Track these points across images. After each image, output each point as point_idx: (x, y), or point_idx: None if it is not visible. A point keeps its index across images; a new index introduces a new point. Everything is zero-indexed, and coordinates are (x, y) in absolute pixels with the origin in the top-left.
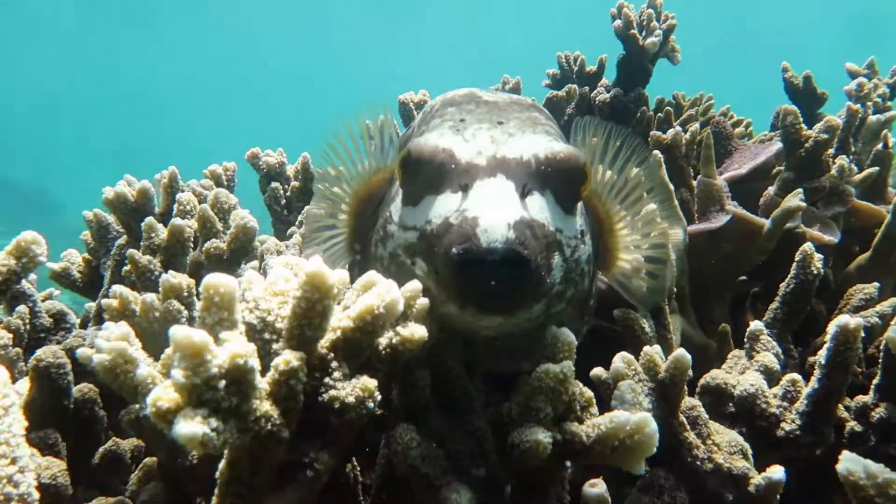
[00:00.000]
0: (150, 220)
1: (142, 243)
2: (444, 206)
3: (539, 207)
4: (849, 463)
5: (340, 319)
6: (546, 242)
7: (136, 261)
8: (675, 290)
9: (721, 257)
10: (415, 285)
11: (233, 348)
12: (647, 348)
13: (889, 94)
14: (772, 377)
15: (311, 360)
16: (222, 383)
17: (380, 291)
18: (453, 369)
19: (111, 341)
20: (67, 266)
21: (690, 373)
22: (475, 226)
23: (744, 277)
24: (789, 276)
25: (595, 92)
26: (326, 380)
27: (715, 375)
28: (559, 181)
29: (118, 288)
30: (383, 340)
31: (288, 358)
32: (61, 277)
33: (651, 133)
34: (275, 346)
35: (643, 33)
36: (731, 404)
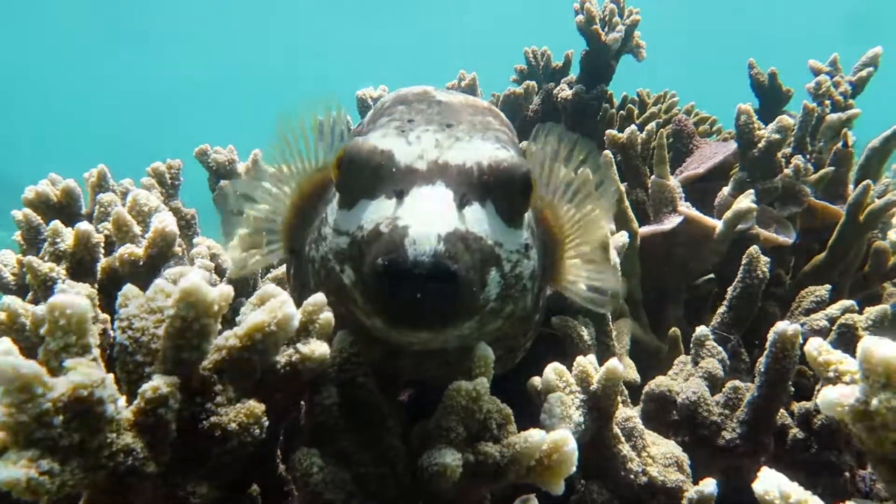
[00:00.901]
0: (54, 224)
1: (45, 248)
2: (377, 213)
3: (477, 219)
4: (765, 481)
5: (227, 338)
6: (482, 257)
7: (34, 269)
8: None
9: (674, 259)
10: (318, 298)
11: (75, 378)
12: (579, 358)
13: (851, 91)
14: (715, 384)
15: (190, 383)
16: (59, 419)
17: (272, 307)
18: (365, 385)
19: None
20: None
21: (638, 378)
22: (404, 236)
23: (710, 276)
24: (736, 279)
25: (557, 89)
26: (208, 405)
27: (660, 382)
28: (501, 191)
29: (8, 299)
30: (282, 358)
31: (156, 384)
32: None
33: (606, 132)
34: (148, 369)
35: (605, 29)
36: (674, 412)
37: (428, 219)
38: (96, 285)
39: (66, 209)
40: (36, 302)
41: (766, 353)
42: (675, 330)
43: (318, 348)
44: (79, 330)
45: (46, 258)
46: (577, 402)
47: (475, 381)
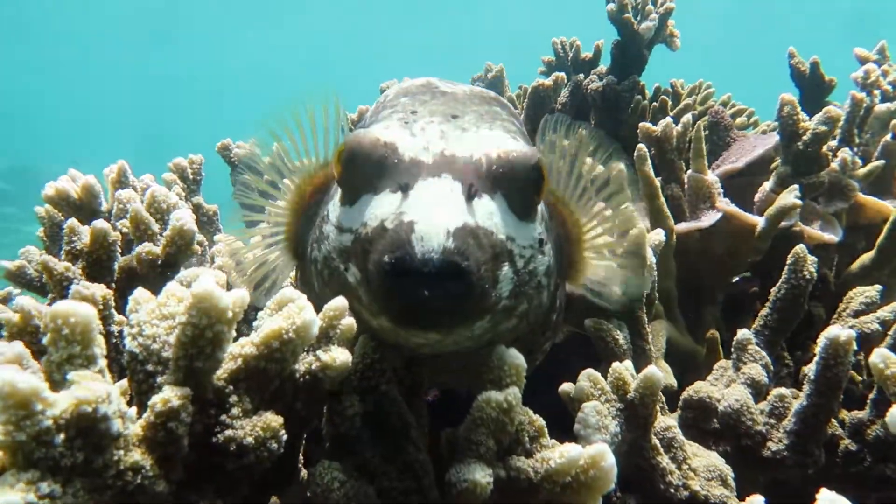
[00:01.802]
0: (71, 221)
1: (63, 247)
2: (382, 208)
3: (487, 212)
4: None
5: (243, 346)
6: (493, 252)
7: (50, 268)
8: (656, 294)
9: (712, 258)
10: (340, 302)
11: (78, 393)
12: (615, 365)
13: None
14: (759, 391)
15: (203, 394)
16: (60, 437)
17: (290, 312)
18: (386, 395)
19: (1, 364)
20: (23, 265)
21: (675, 383)
22: (410, 232)
23: (746, 274)
24: (780, 280)
25: (587, 80)
26: (223, 417)
27: (699, 388)
28: (512, 183)
29: (21, 300)
30: (301, 366)
31: (166, 396)
32: (17, 277)
33: (640, 125)
34: (159, 379)
35: (638, 17)
36: (715, 420)
37: (435, 213)
38: (113, 284)
39: (86, 206)
40: (54, 301)
41: (816, 359)
42: (713, 332)
43: (339, 356)
44: (83, 339)
45: (63, 257)
46: (613, 411)
47: (506, 392)
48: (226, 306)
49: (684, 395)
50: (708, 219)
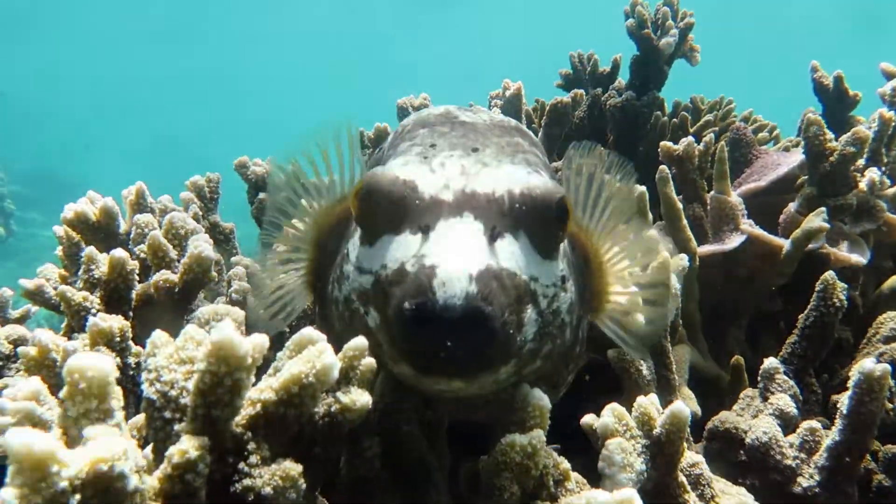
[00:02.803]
0: (89, 250)
1: (80, 275)
2: (402, 250)
3: (510, 253)
4: None
5: (262, 391)
6: (517, 295)
7: (67, 298)
8: (680, 320)
9: (736, 281)
10: (359, 342)
11: (94, 452)
12: (640, 399)
13: None
14: (788, 423)
15: (221, 443)
16: (76, 498)
17: (310, 356)
18: (407, 436)
19: (17, 401)
20: (42, 284)
21: (698, 410)
22: (432, 277)
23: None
24: (809, 307)
25: (606, 95)
26: (241, 465)
27: (724, 419)
28: (535, 221)
29: (39, 333)
30: (320, 409)
31: (184, 447)
32: (35, 296)
33: (661, 144)
34: (177, 426)
35: (658, 33)
36: (741, 451)
37: (457, 256)
38: (131, 312)
39: (104, 228)
40: (71, 330)
41: (849, 393)
42: (737, 358)
43: (359, 398)
44: (100, 394)
45: (81, 285)
46: (638, 447)
47: (530, 435)
48: (245, 353)
49: (710, 425)
50: (732, 241)
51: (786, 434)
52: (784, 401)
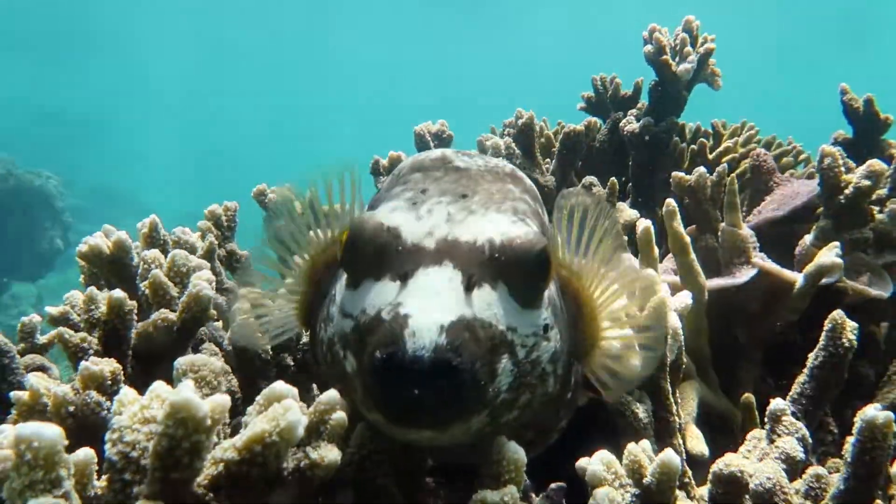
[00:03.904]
0: (90, 290)
1: (81, 316)
2: (381, 296)
3: (486, 303)
4: None
5: (225, 450)
6: (490, 345)
7: (66, 340)
8: (684, 360)
9: (748, 315)
10: (331, 396)
11: None
12: (630, 447)
13: None
14: (794, 467)
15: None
16: None
17: (274, 414)
18: (382, 489)
19: (3, 449)
20: (67, 311)
21: (706, 450)
22: (404, 326)
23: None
24: (818, 346)
25: (624, 121)
26: None
27: (729, 462)
28: (515, 271)
29: (31, 377)
30: (290, 463)
31: None
32: (60, 322)
33: (673, 175)
34: (136, 489)
35: (676, 59)
36: (747, 497)
37: (430, 306)
38: (130, 352)
39: (117, 261)
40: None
41: (853, 440)
42: (748, 396)
43: (328, 454)
44: (47, 464)
45: (82, 325)
46: (628, 497)
47: (502, 492)
48: (204, 416)
49: (714, 467)
50: (742, 275)
51: (793, 479)
52: (790, 444)
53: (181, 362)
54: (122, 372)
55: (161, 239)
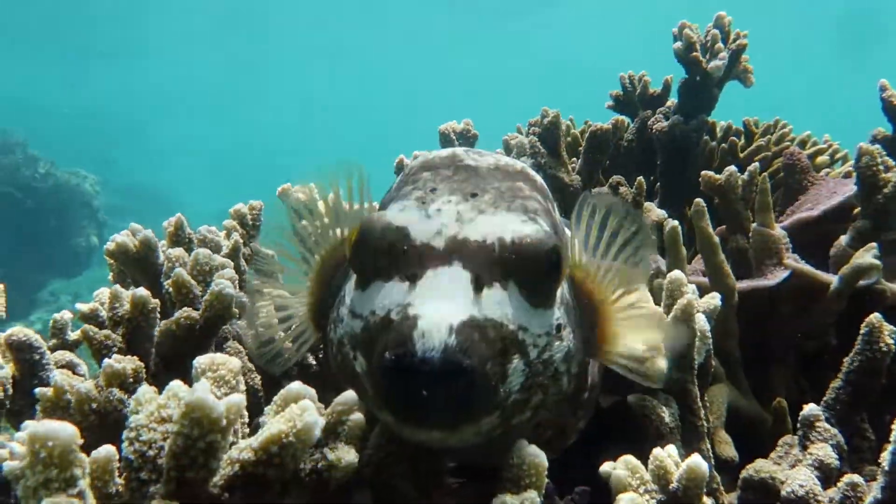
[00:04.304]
0: (115, 288)
1: (106, 314)
2: (390, 297)
3: (497, 302)
4: None
5: (241, 450)
6: (501, 346)
7: (90, 337)
8: (713, 363)
9: (780, 318)
10: (348, 396)
11: None
12: (656, 451)
13: None
14: (828, 475)
15: None
16: None
17: (291, 415)
18: (401, 489)
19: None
20: (97, 308)
21: (735, 455)
22: (413, 328)
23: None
24: (854, 351)
25: (652, 119)
26: None
27: (760, 468)
28: (525, 270)
29: (56, 374)
30: (308, 464)
31: None
32: (90, 319)
33: (702, 174)
34: (152, 488)
35: (707, 56)
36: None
37: (439, 306)
38: (153, 350)
39: (143, 259)
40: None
41: (891, 448)
42: (779, 400)
43: (345, 456)
44: (61, 463)
45: (107, 322)
46: (653, 503)
47: (522, 497)
48: (219, 416)
49: (744, 473)
50: (774, 277)
51: (827, 487)
52: (825, 451)
53: (200, 361)
54: (146, 370)
55: (186, 237)
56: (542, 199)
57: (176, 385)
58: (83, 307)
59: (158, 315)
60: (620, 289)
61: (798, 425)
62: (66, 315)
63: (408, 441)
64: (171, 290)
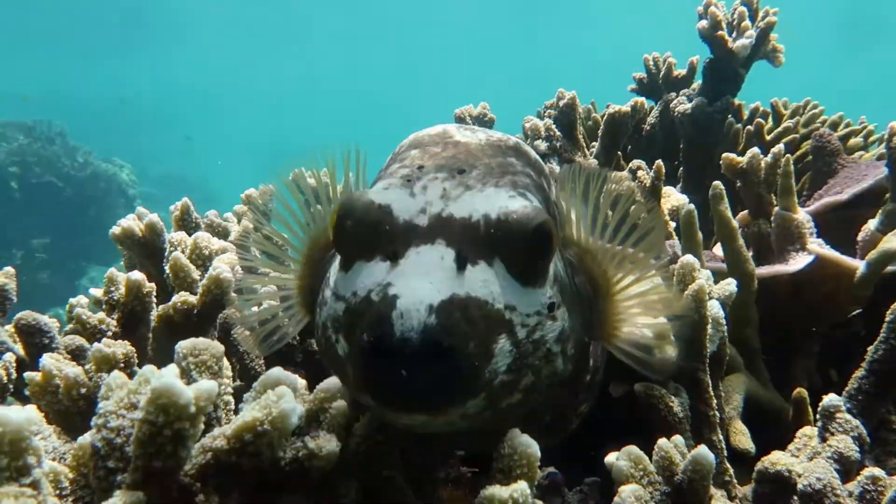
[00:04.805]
0: (111, 271)
1: (102, 297)
2: (371, 277)
3: (482, 280)
4: None
5: (215, 438)
6: (486, 325)
7: (83, 321)
8: (727, 351)
9: (803, 305)
10: (331, 383)
11: None
12: (661, 442)
13: None
14: (849, 468)
15: (166, 494)
16: None
17: (267, 402)
18: (390, 480)
19: None
20: (110, 291)
21: (751, 447)
22: (392, 308)
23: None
24: (878, 339)
25: (675, 101)
26: None
27: (776, 460)
28: (512, 247)
29: (46, 359)
30: (289, 453)
31: None
32: (101, 304)
33: (723, 156)
34: (119, 477)
35: (733, 34)
36: (795, 497)
37: (419, 286)
38: (150, 335)
39: (150, 243)
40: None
41: None
42: (800, 391)
43: (325, 445)
44: (13, 450)
45: (104, 306)
46: (657, 496)
47: (512, 489)
48: (187, 402)
49: (759, 466)
50: (797, 262)
51: (847, 480)
52: (845, 443)
53: (182, 346)
54: (143, 355)
55: (193, 222)
56: (534, 175)
57: (148, 370)
58: (96, 292)
59: (155, 300)
60: (624, 267)
61: (818, 415)
62: (83, 300)
63: (392, 425)
64: (169, 274)
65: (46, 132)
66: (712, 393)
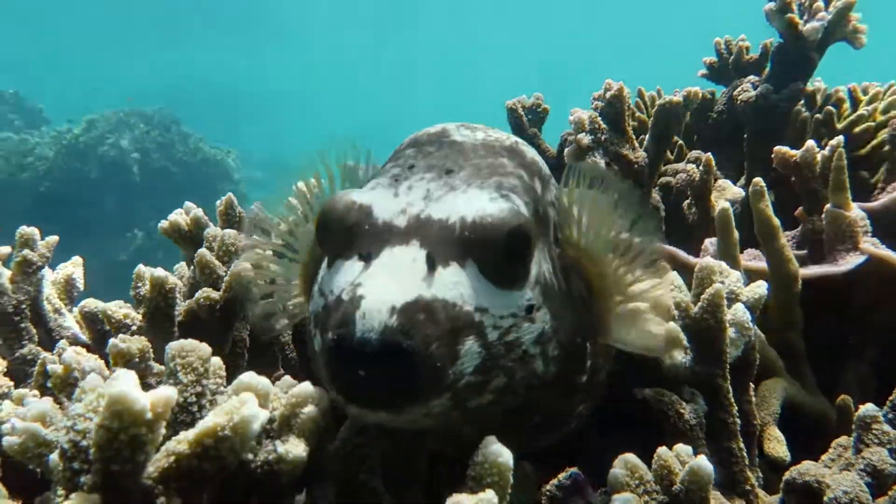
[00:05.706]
0: (139, 268)
1: (131, 293)
2: (346, 276)
3: (452, 282)
4: None
5: (179, 443)
6: (451, 326)
7: (108, 316)
8: (756, 356)
9: (856, 308)
10: (304, 388)
11: None
12: (661, 450)
13: None
14: (882, 482)
15: (126, 497)
16: None
17: (231, 407)
18: (365, 484)
19: (26, 421)
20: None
21: (786, 455)
22: (356, 308)
23: None
24: None
25: (739, 89)
26: None
27: (805, 470)
28: (485, 250)
29: (68, 351)
30: (259, 456)
31: None
32: None
33: (775, 150)
34: (83, 479)
35: (804, 16)
36: None
37: (384, 286)
38: (175, 330)
39: (195, 237)
40: None
41: None
42: (844, 397)
43: (293, 449)
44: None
45: (133, 303)
46: None
47: (478, 497)
48: (142, 409)
49: (787, 475)
50: (846, 263)
51: (879, 495)
52: (880, 455)
53: (172, 347)
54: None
55: (237, 216)
56: (526, 176)
57: (122, 373)
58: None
59: (179, 295)
60: (622, 269)
61: (853, 426)
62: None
63: (362, 421)
64: (196, 270)
65: (163, 120)
66: (731, 400)
